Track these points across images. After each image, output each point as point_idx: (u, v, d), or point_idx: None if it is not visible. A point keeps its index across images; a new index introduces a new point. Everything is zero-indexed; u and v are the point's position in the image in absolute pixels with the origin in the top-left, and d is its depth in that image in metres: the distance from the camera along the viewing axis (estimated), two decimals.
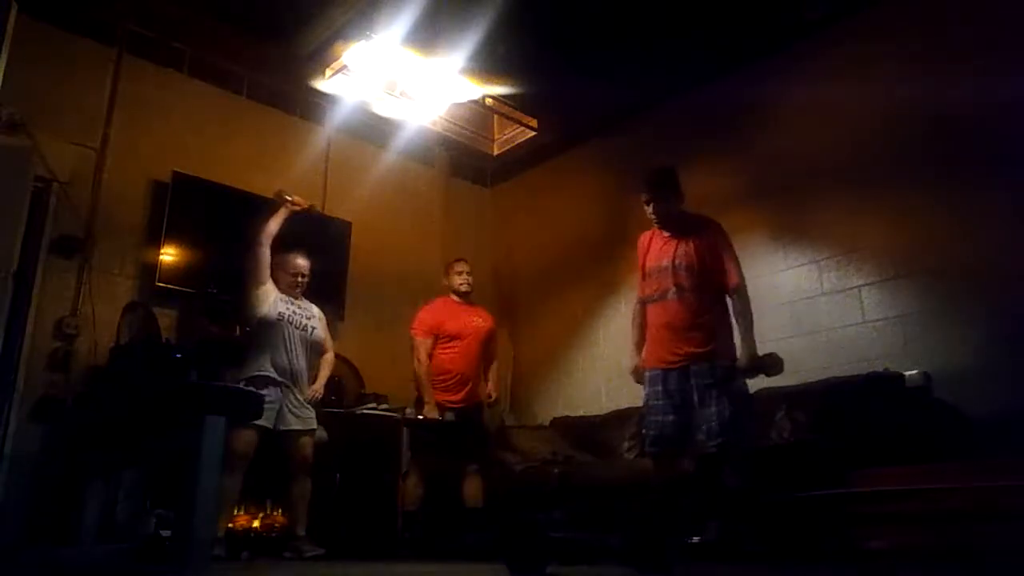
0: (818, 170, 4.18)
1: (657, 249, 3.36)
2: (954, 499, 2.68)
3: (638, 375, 3.36)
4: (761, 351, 4.10)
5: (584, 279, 5.28)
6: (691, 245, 3.25)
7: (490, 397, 4.30)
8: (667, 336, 3.24)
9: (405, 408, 4.36)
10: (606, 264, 5.10)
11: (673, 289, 3.24)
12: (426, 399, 4.06)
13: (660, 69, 4.72)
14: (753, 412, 3.27)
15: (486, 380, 4.34)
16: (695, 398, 3.13)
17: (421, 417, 4.06)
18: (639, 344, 3.39)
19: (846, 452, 3.11)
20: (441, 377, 4.12)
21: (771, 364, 3.14)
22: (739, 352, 3.16)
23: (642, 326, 3.39)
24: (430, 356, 4.14)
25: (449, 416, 4.05)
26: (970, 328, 3.51)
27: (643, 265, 3.41)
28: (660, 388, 3.21)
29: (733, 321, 3.21)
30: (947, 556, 2.63)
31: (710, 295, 3.23)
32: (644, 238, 3.46)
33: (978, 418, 3.27)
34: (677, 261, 3.25)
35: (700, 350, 3.15)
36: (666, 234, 3.35)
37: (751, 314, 3.17)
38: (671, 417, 3.16)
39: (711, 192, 4.52)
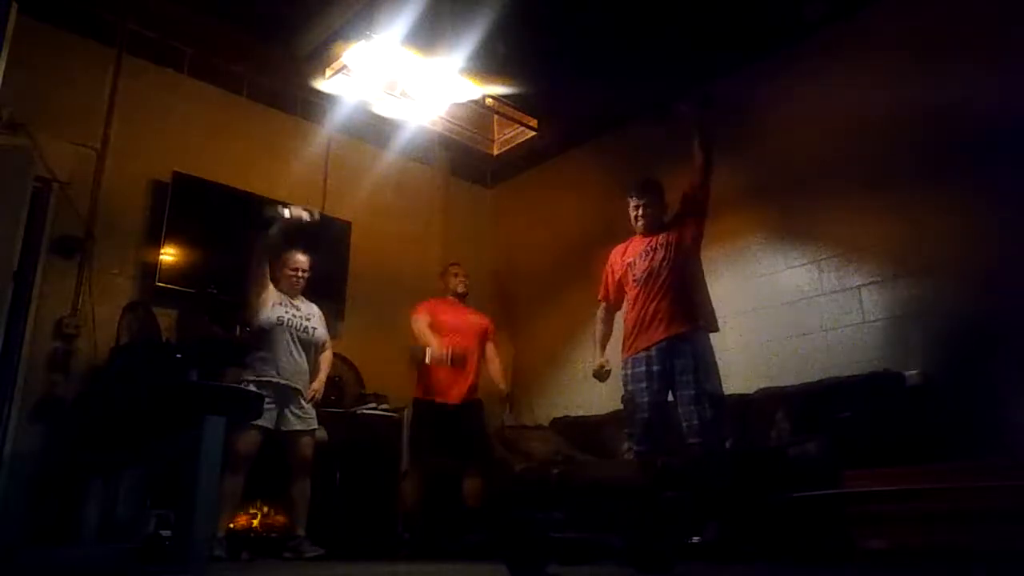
0: (817, 170, 4.18)
1: (637, 246, 3.50)
2: (954, 499, 2.68)
3: (602, 374, 3.48)
4: (762, 350, 4.14)
5: (584, 279, 5.25)
6: (672, 229, 3.43)
7: (507, 398, 4.36)
8: (649, 319, 3.31)
9: (411, 347, 4.30)
10: (606, 264, 5.10)
11: (658, 266, 3.35)
12: (432, 343, 4.01)
13: (660, 70, 4.71)
14: (727, 411, 3.32)
15: (494, 379, 4.33)
16: (678, 391, 3.19)
17: (428, 360, 4.00)
18: (603, 343, 3.57)
19: (845, 452, 3.12)
20: (438, 371, 4.10)
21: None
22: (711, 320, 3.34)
23: (606, 331, 3.61)
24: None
25: (456, 354, 4.01)
26: (970, 328, 3.50)
27: (620, 263, 3.54)
28: (643, 385, 3.28)
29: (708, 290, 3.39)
30: (947, 556, 2.63)
31: (691, 269, 3.35)
32: (618, 247, 3.62)
33: (978, 418, 3.27)
34: (659, 243, 3.40)
35: (683, 329, 3.24)
36: (644, 236, 3.51)
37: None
38: (654, 415, 3.26)
39: (711, 192, 4.52)
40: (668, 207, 3.54)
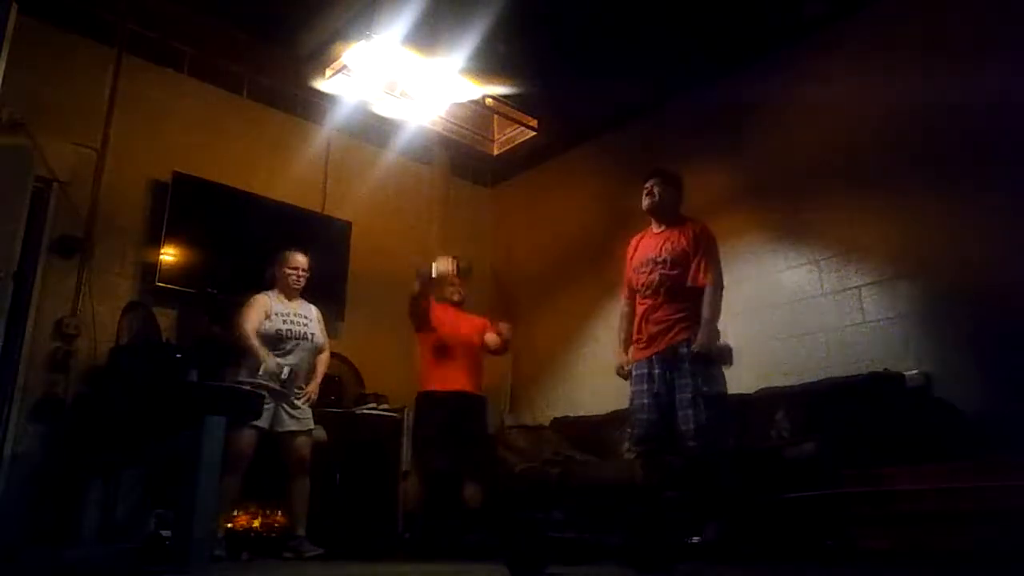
0: (818, 170, 4.18)
1: (646, 245, 3.47)
2: (954, 499, 2.68)
3: (624, 372, 3.44)
4: (762, 350, 4.13)
5: (584, 279, 5.28)
6: (678, 238, 3.36)
7: (503, 334, 4.15)
8: (653, 328, 3.31)
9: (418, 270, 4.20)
10: (606, 264, 5.09)
11: (658, 280, 3.32)
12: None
13: (660, 69, 4.72)
14: (730, 412, 3.30)
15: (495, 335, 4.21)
16: (676, 394, 3.19)
17: (435, 274, 3.91)
18: (627, 342, 3.49)
19: (845, 452, 3.12)
20: (444, 355, 4.04)
21: (723, 353, 3.23)
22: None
23: (630, 325, 3.49)
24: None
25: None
26: (970, 328, 3.51)
27: (631, 261, 3.52)
28: (644, 387, 3.29)
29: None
30: (947, 556, 2.63)
31: (693, 288, 3.29)
32: (634, 240, 3.58)
33: (978, 418, 3.27)
34: (663, 255, 3.35)
35: (683, 338, 3.22)
36: (655, 230, 3.47)
37: (718, 309, 3.25)
38: (655, 416, 3.24)
39: (711, 192, 4.53)
40: (683, 200, 3.51)
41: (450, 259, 3.93)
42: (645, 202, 3.47)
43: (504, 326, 4.18)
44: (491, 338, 4.19)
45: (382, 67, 4.49)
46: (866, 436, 3.17)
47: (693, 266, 3.29)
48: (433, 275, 3.92)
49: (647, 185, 3.47)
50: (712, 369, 3.19)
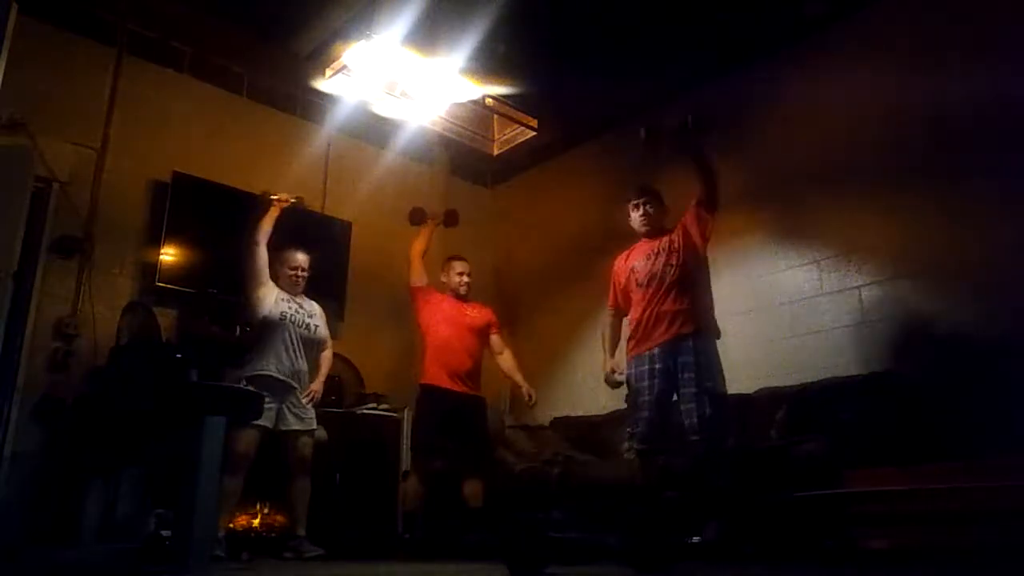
0: (818, 170, 4.18)
1: (640, 250, 3.51)
2: (954, 499, 2.68)
3: (612, 379, 3.50)
4: (762, 350, 4.13)
5: (584, 279, 5.27)
6: (676, 231, 3.43)
7: (529, 399, 4.20)
8: (655, 321, 3.33)
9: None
10: (606, 264, 5.09)
11: (663, 270, 3.35)
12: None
13: (660, 69, 4.72)
14: (729, 411, 3.31)
15: (511, 376, 4.28)
16: (680, 388, 3.21)
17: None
18: (612, 350, 3.57)
19: (846, 452, 3.12)
20: (443, 355, 4.07)
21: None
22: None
23: (615, 334, 3.58)
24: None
25: None
26: (970, 328, 3.50)
27: (625, 266, 3.55)
28: (645, 383, 3.30)
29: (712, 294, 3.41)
30: (947, 556, 2.63)
31: (696, 273, 3.34)
32: (621, 255, 3.63)
33: (978, 418, 3.27)
34: (661, 247, 3.41)
35: (687, 330, 3.25)
36: (646, 239, 3.52)
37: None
38: (655, 415, 3.26)
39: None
40: (668, 211, 3.56)
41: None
42: (641, 222, 3.52)
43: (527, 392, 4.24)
44: (508, 366, 4.29)
45: (382, 67, 4.49)
46: (866, 436, 3.17)
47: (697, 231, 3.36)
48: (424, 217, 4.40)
49: (639, 205, 3.51)
50: (712, 365, 3.20)
